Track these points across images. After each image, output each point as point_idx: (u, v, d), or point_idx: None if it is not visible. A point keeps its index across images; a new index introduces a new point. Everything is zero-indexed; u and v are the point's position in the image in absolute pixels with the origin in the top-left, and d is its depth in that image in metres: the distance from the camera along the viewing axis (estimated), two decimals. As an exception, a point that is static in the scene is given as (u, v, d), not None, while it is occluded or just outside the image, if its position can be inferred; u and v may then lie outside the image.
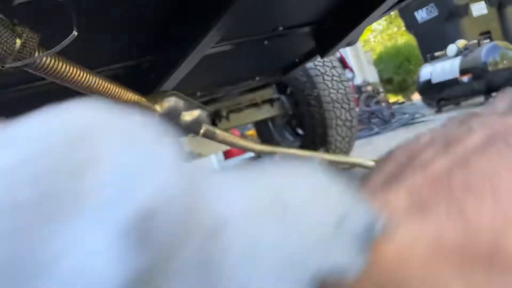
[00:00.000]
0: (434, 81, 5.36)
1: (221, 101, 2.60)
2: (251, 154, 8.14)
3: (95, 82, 0.64)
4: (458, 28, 6.39)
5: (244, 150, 1.34)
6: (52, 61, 0.56)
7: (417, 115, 5.40)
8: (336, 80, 2.73)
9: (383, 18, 21.31)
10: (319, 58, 2.43)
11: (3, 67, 0.50)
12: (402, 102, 11.73)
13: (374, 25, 22.22)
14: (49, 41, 0.58)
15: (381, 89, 9.11)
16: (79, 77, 0.62)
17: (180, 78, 1.36)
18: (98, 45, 1.16)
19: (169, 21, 1.15)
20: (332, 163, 2.89)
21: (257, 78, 2.47)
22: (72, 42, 0.71)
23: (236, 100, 2.67)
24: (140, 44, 1.25)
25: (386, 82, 12.36)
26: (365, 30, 2.01)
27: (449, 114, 4.77)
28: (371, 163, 1.74)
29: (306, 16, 1.59)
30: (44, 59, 0.54)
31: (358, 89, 7.88)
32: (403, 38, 20.18)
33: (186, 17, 1.12)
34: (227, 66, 1.97)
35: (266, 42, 1.66)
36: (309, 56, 2.17)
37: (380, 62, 12.56)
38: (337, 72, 2.77)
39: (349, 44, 2.09)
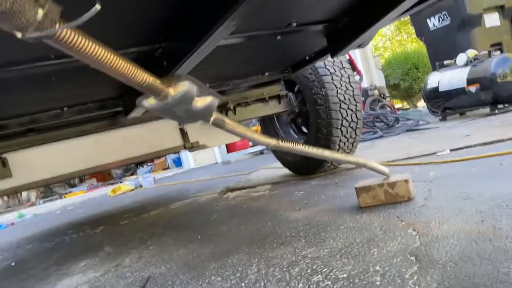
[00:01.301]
0: (441, 89, 5.34)
1: (229, 94, 2.60)
2: (253, 149, 8.18)
3: (112, 59, 0.65)
4: (469, 38, 6.36)
5: (251, 141, 1.34)
6: (73, 34, 0.57)
7: (421, 122, 5.39)
8: (344, 81, 2.73)
9: (393, 24, 21.21)
10: (329, 58, 2.43)
11: (24, 36, 0.50)
12: (407, 108, 11.71)
13: (384, 31, 22.17)
14: (72, 14, 0.58)
15: (387, 94, 9.09)
16: (97, 53, 0.62)
17: (191, 67, 1.36)
18: (113, 29, 1.16)
19: (185, 9, 1.15)
20: (337, 162, 2.91)
21: (266, 74, 2.47)
22: (89, 23, 0.71)
23: (244, 94, 2.67)
24: (155, 30, 1.26)
25: (393, 87, 12.32)
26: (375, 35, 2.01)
27: (453, 123, 4.76)
28: (375, 165, 1.74)
29: (321, 13, 1.58)
30: (64, 31, 0.55)
31: (365, 92, 7.86)
32: (412, 45, 20.12)
33: (203, 5, 1.12)
34: (238, 59, 1.97)
35: (278, 37, 1.65)
36: (319, 54, 2.17)
37: (388, 67, 12.52)
38: (346, 73, 2.77)
39: (360, 46, 2.08)
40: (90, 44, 0.61)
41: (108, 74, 0.70)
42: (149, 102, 0.87)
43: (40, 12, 0.48)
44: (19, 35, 0.50)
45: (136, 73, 0.72)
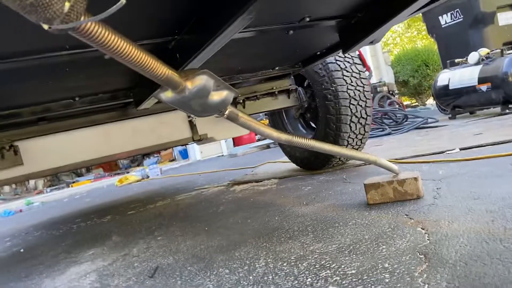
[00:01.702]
0: (451, 87, 5.30)
1: (239, 88, 2.60)
2: (260, 143, 8.19)
3: (134, 52, 0.65)
4: (482, 36, 6.29)
5: (262, 136, 1.35)
6: (97, 27, 0.57)
7: (430, 120, 5.35)
8: (355, 77, 2.72)
9: (403, 21, 20.99)
10: (340, 53, 2.41)
11: (50, 27, 0.51)
12: (416, 106, 11.64)
13: (394, 27, 21.95)
14: (97, 8, 0.59)
15: (396, 91, 9.03)
16: (120, 46, 0.62)
17: (205, 60, 1.36)
18: (127, 21, 1.17)
19: (202, 1, 1.14)
20: (347, 158, 2.91)
21: (277, 68, 2.47)
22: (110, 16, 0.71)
23: (253, 88, 2.67)
24: (170, 23, 1.26)
25: (402, 84, 12.24)
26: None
27: (463, 122, 4.73)
28: (385, 162, 1.74)
29: (335, 9, 1.57)
30: (89, 24, 0.55)
31: (373, 89, 7.82)
32: (422, 41, 19.94)
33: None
34: (249, 53, 1.97)
35: (291, 32, 1.65)
36: (331, 50, 2.16)
37: (397, 63, 12.43)
38: (356, 69, 2.75)
39: (372, 42, 2.07)
40: (114, 37, 0.62)
41: (128, 67, 0.70)
42: (167, 95, 0.88)
43: (67, 4, 0.48)
44: (45, 26, 0.50)
45: (156, 67, 0.73)
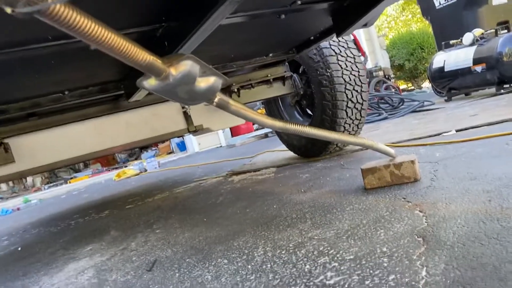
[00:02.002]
0: (446, 69, 5.27)
1: (233, 76, 2.57)
2: (258, 133, 8.16)
3: (109, 36, 0.62)
4: (476, 17, 6.24)
5: (256, 124, 1.33)
6: (66, 10, 0.54)
7: (426, 103, 5.33)
8: (350, 62, 2.68)
9: (398, 4, 20.85)
10: (334, 38, 2.37)
11: (13, 11, 0.48)
12: (412, 89, 11.61)
13: (389, 11, 21.79)
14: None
15: (392, 75, 9.00)
16: (93, 30, 0.59)
17: (194, 47, 1.33)
18: (112, 9, 1.13)
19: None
20: (344, 143, 2.88)
21: (270, 55, 2.43)
22: (87, 3, 0.68)
23: (248, 76, 2.63)
24: (156, 9, 1.22)
25: (397, 68, 12.19)
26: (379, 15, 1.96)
27: (458, 103, 4.71)
28: (382, 146, 1.72)
29: (326, -9, 1.54)
30: (57, 7, 0.52)
31: (369, 74, 7.78)
32: (417, 25, 19.83)
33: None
34: (241, 39, 1.93)
35: (282, 16, 1.61)
36: (324, 34, 2.12)
37: (392, 47, 12.36)
38: (351, 53, 2.72)
39: (366, 25, 2.04)
40: (85, 20, 0.58)
41: (107, 53, 0.67)
42: (150, 83, 0.85)
43: (31, -15, 0.45)
44: (8, 10, 0.47)
45: (136, 52, 0.70)
